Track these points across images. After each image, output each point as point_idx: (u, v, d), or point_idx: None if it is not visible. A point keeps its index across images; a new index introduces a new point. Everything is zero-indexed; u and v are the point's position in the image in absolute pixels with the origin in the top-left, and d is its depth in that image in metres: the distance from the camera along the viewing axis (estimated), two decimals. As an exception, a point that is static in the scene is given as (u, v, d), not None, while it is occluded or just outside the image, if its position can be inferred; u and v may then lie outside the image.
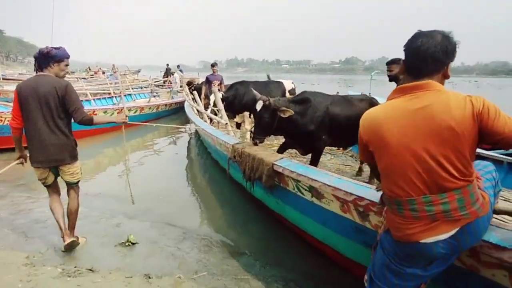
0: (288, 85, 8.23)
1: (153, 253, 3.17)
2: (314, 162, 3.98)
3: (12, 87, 12.57)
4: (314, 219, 3.02)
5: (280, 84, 8.12)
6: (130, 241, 3.30)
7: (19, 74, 26.04)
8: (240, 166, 3.74)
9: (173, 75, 16.37)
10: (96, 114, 8.96)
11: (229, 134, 5.04)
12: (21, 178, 5.08)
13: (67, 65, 2.95)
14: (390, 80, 3.99)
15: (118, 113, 9.70)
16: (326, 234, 2.96)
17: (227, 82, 8.69)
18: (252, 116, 6.79)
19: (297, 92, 7.59)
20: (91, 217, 3.94)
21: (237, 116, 7.32)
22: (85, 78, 19.94)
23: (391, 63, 3.98)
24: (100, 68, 27.11)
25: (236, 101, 6.85)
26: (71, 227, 3.15)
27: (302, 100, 3.84)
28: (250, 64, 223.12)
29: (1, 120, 6.51)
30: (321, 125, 3.85)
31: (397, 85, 3.80)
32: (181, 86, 15.58)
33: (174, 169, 6.48)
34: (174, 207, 4.46)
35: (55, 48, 2.86)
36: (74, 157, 3.01)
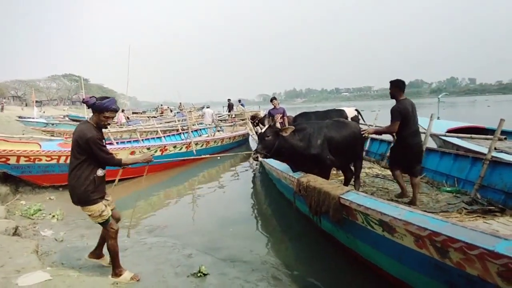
0: (350, 112, 7.97)
1: (223, 285, 3.26)
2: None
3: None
4: (387, 254, 2.88)
5: (342, 111, 7.94)
6: (202, 272, 3.43)
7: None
8: (305, 200, 3.74)
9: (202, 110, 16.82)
10: (167, 149, 9.69)
11: None
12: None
13: (107, 117, 3.07)
14: (391, 98, 4.54)
15: (186, 148, 10.37)
16: (402, 270, 2.79)
17: (288, 113, 8.82)
18: None
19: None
20: (166, 248, 4.19)
21: None
22: (155, 117, 21.72)
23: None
24: (168, 107, 29.38)
25: None
26: (112, 264, 3.29)
27: (300, 129, 4.41)
28: (309, 94, 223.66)
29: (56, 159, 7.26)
30: (323, 147, 4.35)
31: (396, 101, 4.35)
32: (242, 119, 16.14)
33: (241, 201, 6.66)
34: (242, 239, 4.56)
35: (100, 99, 3.03)
36: (84, 202, 3.06)
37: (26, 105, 49.30)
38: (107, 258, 3.48)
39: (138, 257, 3.72)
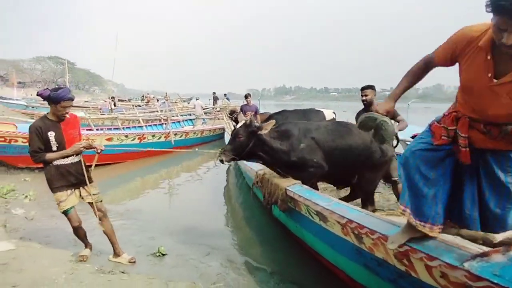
0: (328, 114, 8.04)
1: (178, 264, 3.55)
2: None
3: (79, 113, 14.21)
4: (325, 241, 3.22)
5: (319, 113, 8.04)
6: (160, 252, 3.72)
7: (85, 101, 29.03)
8: (261, 191, 4.06)
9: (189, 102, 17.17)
10: (145, 138, 9.89)
11: None
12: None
13: (64, 106, 3.08)
14: (364, 105, 4.27)
15: (165, 137, 10.58)
16: (335, 256, 3.14)
17: (276, 109, 9.05)
18: None
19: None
20: (131, 230, 4.45)
21: None
22: (139, 106, 21.73)
23: (366, 88, 4.26)
24: (154, 97, 29.36)
25: None
26: None
27: (282, 130, 3.77)
28: (298, 92, 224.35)
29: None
30: (306, 152, 3.63)
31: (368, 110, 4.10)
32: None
33: (213, 191, 6.99)
34: (204, 225, 4.86)
35: (53, 90, 3.03)
36: (51, 189, 3.21)
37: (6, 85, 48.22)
38: (125, 256, 3.51)
39: (103, 236, 3.95)
